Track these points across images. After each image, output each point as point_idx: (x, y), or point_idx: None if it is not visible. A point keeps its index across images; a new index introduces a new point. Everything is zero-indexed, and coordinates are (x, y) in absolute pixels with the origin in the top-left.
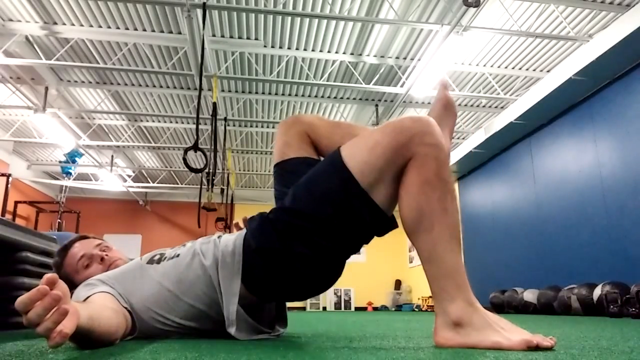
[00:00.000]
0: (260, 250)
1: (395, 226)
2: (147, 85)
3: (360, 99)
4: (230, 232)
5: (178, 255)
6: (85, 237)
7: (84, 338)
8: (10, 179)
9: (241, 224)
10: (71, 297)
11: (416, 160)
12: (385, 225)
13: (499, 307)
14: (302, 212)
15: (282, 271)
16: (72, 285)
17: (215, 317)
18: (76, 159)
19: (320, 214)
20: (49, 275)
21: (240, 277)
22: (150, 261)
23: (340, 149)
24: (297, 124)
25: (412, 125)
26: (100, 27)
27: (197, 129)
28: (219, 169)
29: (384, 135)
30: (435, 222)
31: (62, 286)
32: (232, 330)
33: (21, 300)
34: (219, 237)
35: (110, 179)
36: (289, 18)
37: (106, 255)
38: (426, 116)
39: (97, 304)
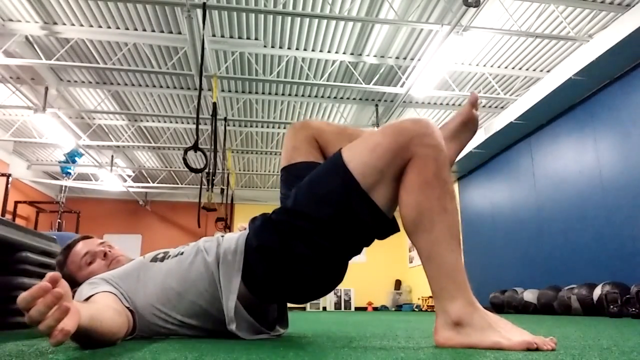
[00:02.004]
0: (261, 248)
1: (397, 230)
2: (147, 85)
3: (360, 99)
4: (230, 232)
5: (182, 253)
6: (88, 237)
7: (85, 338)
8: (10, 179)
9: (245, 226)
10: (73, 296)
11: (416, 161)
12: (386, 228)
13: (499, 307)
14: (304, 212)
15: (283, 271)
16: (75, 284)
17: (216, 315)
18: (76, 159)
19: (321, 215)
20: (52, 274)
21: (240, 274)
22: (154, 259)
23: (341, 151)
24: (306, 129)
25: (412, 127)
26: (100, 27)
27: (197, 129)
28: (219, 169)
29: (385, 137)
30: (435, 222)
31: (64, 284)
32: (232, 327)
33: (23, 297)
34: (222, 236)
35: (110, 179)
36: (289, 18)
37: (109, 251)
38: (426, 118)
39: (99, 304)
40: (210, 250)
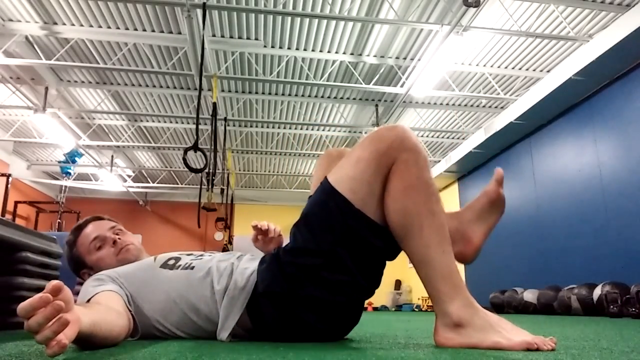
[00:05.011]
0: (267, 294)
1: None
2: (147, 85)
3: (360, 99)
4: (230, 232)
5: (193, 268)
6: (100, 218)
7: (85, 342)
8: (10, 179)
9: (259, 224)
10: (81, 285)
11: (398, 166)
12: (391, 244)
13: (499, 307)
14: (305, 248)
15: (292, 317)
16: (83, 265)
17: (209, 330)
18: (76, 159)
19: (323, 246)
20: (54, 283)
21: (240, 313)
22: (164, 265)
23: (327, 177)
24: (340, 157)
25: (388, 133)
26: (100, 27)
27: (197, 129)
28: (219, 169)
29: (364, 149)
30: (423, 225)
31: (65, 294)
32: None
33: (23, 306)
34: (238, 257)
35: (110, 179)
36: (289, 18)
37: (119, 238)
38: (400, 124)
39: (101, 306)
40: (222, 277)
